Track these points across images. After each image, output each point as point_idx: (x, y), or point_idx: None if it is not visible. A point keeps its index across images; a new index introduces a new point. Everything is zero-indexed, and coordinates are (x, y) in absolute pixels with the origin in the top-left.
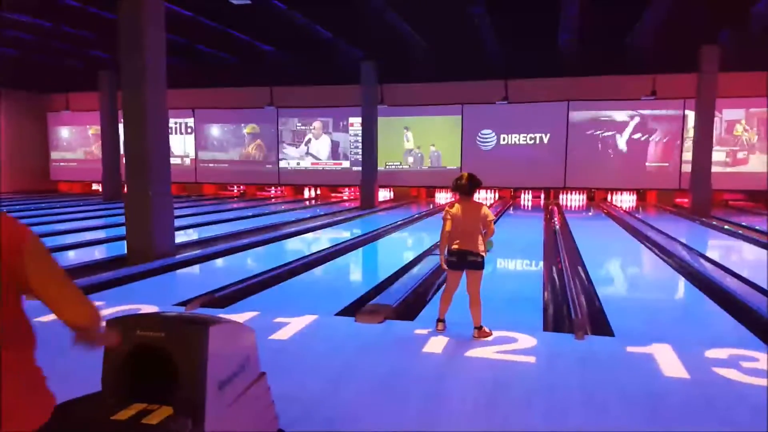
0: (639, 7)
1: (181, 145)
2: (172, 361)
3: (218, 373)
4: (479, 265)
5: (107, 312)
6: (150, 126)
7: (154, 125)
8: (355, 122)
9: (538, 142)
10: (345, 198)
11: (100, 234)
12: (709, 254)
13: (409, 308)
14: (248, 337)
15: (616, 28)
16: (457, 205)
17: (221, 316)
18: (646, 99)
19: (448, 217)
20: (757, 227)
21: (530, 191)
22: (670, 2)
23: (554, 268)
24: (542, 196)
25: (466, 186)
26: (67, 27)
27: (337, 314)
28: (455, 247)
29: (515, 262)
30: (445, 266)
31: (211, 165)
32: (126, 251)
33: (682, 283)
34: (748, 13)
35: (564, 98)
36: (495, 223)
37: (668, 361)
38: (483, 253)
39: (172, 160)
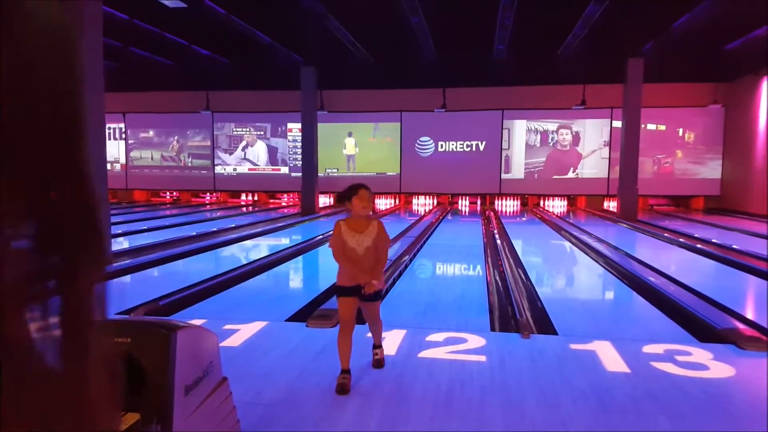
0: (570, 19)
1: (113, 150)
2: (139, 366)
3: (184, 378)
4: (375, 296)
5: None
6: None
7: (90, 129)
8: (294, 128)
9: (474, 149)
10: (284, 204)
11: None
12: (637, 255)
13: (360, 312)
14: (211, 341)
15: (548, 40)
16: (343, 224)
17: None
18: (577, 108)
19: (334, 239)
20: (680, 230)
21: (467, 197)
22: (598, 16)
23: (496, 271)
24: (479, 201)
25: (343, 195)
26: None
27: (287, 320)
28: (345, 284)
29: (459, 266)
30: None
31: (144, 170)
32: None
33: (614, 282)
34: (670, 28)
35: (499, 107)
36: (434, 229)
37: (610, 357)
38: (381, 285)
39: None
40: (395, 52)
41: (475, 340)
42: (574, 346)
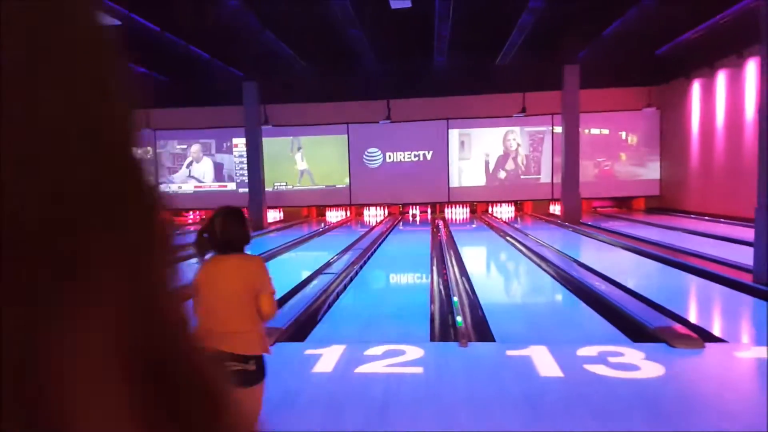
0: (505, 29)
1: None
2: None
3: None
4: (251, 378)
5: None
6: None
7: None
8: (240, 143)
9: (422, 159)
10: None
11: None
12: (579, 258)
13: (300, 329)
14: None
15: (486, 50)
16: (209, 265)
17: None
18: (518, 116)
19: (193, 289)
20: (621, 231)
21: (418, 206)
22: (532, 25)
23: (440, 280)
24: (429, 210)
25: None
26: None
27: None
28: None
29: (404, 275)
30: None
31: None
32: None
33: (555, 286)
34: (603, 35)
35: (443, 117)
36: (383, 239)
37: (544, 362)
38: (258, 353)
39: None
40: (337, 65)
41: (414, 352)
42: (510, 353)
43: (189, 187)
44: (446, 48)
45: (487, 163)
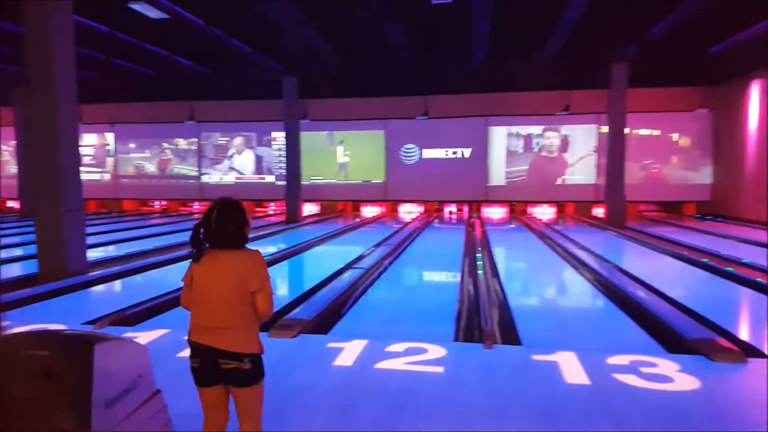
0: (547, 25)
1: (100, 160)
2: (58, 379)
3: (105, 391)
4: (247, 377)
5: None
6: (62, 140)
7: (65, 139)
8: (279, 136)
9: (460, 156)
10: (271, 212)
11: (12, 252)
12: (619, 263)
13: (325, 321)
14: (140, 354)
15: (527, 46)
16: (205, 260)
17: (129, 333)
18: (561, 114)
19: (187, 280)
20: (666, 237)
21: (454, 204)
22: (577, 21)
23: (470, 279)
24: (465, 209)
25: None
26: None
27: None
28: (197, 339)
29: (433, 274)
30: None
31: (133, 180)
32: (37, 269)
33: (591, 291)
34: (653, 31)
35: (482, 113)
36: (416, 236)
37: (571, 368)
38: (253, 351)
39: (91, 176)
40: (375, 60)
41: (436, 351)
42: (536, 357)
43: (230, 178)
44: (487, 44)
45: (527, 162)
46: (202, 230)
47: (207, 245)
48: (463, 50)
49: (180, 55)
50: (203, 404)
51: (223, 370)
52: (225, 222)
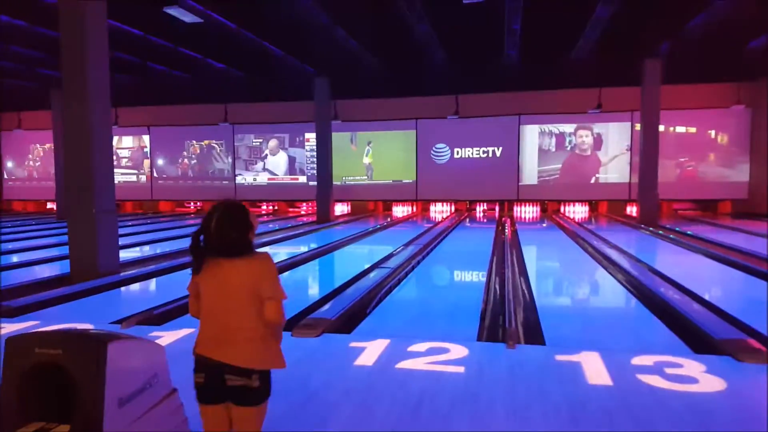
0: (579, 22)
1: (137, 162)
2: (71, 378)
3: (118, 391)
4: (254, 396)
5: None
6: (95, 143)
7: (98, 142)
8: (311, 137)
9: (491, 155)
10: (303, 213)
11: (48, 253)
12: (651, 262)
13: (348, 321)
14: (156, 353)
15: (559, 43)
16: (209, 270)
17: (155, 333)
18: (593, 112)
19: (192, 290)
20: (701, 236)
21: (485, 203)
22: (609, 17)
23: (497, 279)
24: (497, 208)
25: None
26: (15, 47)
27: None
28: (202, 353)
29: (460, 273)
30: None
31: (168, 182)
32: (69, 269)
33: (620, 291)
34: (685, 28)
35: (514, 112)
36: (446, 235)
37: (594, 369)
38: (264, 367)
39: (127, 177)
40: (406, 60)
41: (458, 350)
42: (559, 357)
43: (263, 178)
44: (518, 42)
45: (559, 160)
46: (201, 237)
47: (205, 256)
48: (495, 49)
49: (214, 58)
50: (204, 425)
51: (228, 387)
52: (227, 228)
